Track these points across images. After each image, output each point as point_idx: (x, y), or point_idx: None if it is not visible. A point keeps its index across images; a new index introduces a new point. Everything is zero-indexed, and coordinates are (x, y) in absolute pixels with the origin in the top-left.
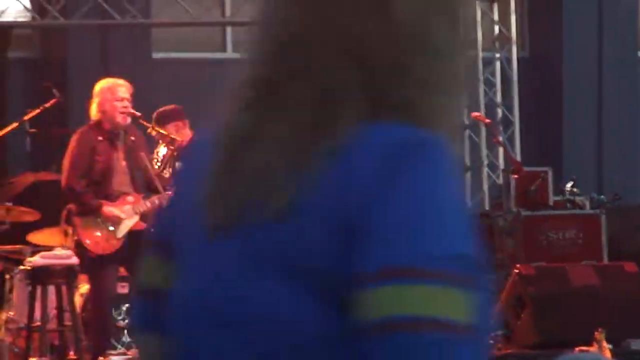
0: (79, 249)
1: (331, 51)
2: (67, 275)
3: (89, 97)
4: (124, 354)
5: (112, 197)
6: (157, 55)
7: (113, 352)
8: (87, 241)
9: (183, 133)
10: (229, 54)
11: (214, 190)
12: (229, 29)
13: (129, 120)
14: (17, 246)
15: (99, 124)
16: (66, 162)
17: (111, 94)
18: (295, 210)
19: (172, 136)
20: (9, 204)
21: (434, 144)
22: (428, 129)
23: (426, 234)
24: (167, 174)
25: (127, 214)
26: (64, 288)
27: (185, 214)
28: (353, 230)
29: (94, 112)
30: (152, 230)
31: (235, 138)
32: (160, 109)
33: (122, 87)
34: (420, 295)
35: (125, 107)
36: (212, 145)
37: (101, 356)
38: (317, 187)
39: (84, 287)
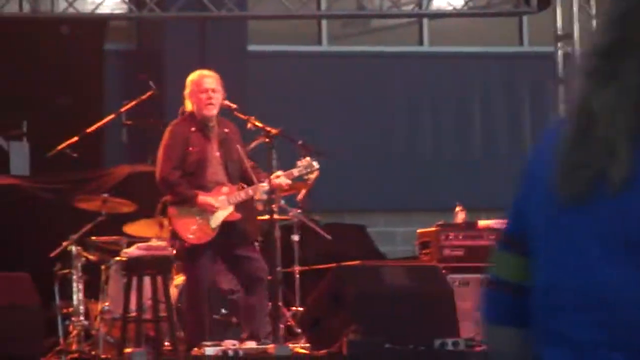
0: (174, 239)
1: None
2: (163, 266)
3: (184, 89)
4: (218, 345)
5: (207, 188)
6: (252, 47)
7: (208, 343)
8: (182, 231)
9: None
10: (324, 47)
11: (565, 166)
12: (324, 22)
13: (214, 111)
14: (113, 237)
15: (192, 115)
16: (160, 154)
17: (196, 86)
18: (635, 182)
19: (268, 128)
20: (106, 196)
21: None
22: None
23: None
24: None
25: (221, 205)
26: (159, 279)
27: (538, 202)
28: None
29: (187, 103)
30: (505, 227)
31: (581, 111)
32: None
33: (208, 79)
34: None
35: (209, 98)
36: (564, 124)
37: (196, 347)
38: None
39: (179, 279)
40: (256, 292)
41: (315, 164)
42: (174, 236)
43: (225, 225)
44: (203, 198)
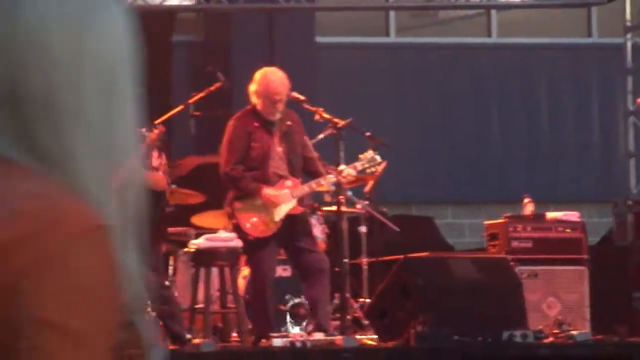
0: (238, 232)
1: None
2: (230, 258)
3: (252, 81)
4: (286, 336)
5: (270, 182)
6: (320, 39)
7: (275, 334)
8: (246, 224)
9: None
10: (392, 38)
11: None
12: (392, 14)
13: (278, 115)
14: (182, 228)
15: (255, 110)
16: (223, 149)
17: (264, 90)
18: None
19: (335, 120)
20: (174, 187)
21: None
22: None
23: None
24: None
25: (285, 198)
26: (227, 270)
27: None
28: None
29: (252, 97)
30: None
31: None
32: None
33: (276, 84)
34: None
35: (276, 106)
36: None
37: (263, 338)
38: None
39: (246, 270)
40: (318, 285)
41: (378, 158)
42: (238, 229)
43: (288, 218)
44: (266, 192)
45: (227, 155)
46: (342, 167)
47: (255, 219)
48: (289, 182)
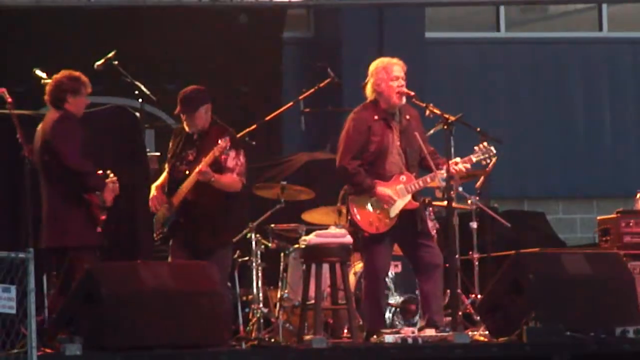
0: (353, 227)
1: None
2: (341, 254)
3: (362, 76)
4: (397, 332)
5: (385, 177)
6: (430, 35)
7: (386, 330)
8: (361, 221)
9: (210, 114)
10: (502, 33)
11: None
12: (502, 9)
13: (404, 99)
14: (292, 225)
15: (374, 103)
16: (341, 142)
17: (386, 73)
18: None
19: (446, 115)
20: (284, 183)
21: None
22: None
23: None
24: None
25: (399, 194)
26: (337, 267)
27: None
28: None
29: (369, 91)
30: None
31: None
32: (187, 92)
33: (396, 66)
34: None
35: (400, 86)
36: None
37: (375, 334)
38: None
39: (357, 266)
40: (432, 280)
41: (493, 149)
42: (353, 225)
43: (404, 213)
44: (381, 189)
45: (344, 149)
46: (457, 159)
47: (370, 215)
48: (403, 177)
